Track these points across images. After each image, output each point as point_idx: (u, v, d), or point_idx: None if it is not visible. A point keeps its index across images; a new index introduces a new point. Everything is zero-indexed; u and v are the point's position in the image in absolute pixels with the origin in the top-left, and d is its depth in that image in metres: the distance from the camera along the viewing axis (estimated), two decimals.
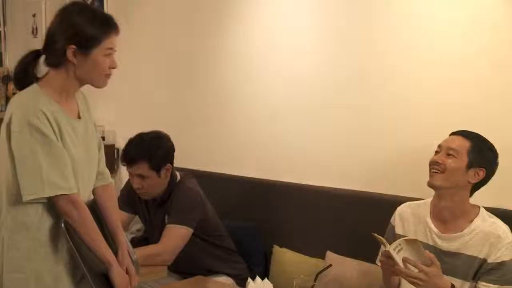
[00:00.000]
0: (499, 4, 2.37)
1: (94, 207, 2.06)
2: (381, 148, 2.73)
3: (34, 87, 1.90)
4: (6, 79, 4.95)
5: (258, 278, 2.13)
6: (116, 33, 1.93)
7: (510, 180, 2.33)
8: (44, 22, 4.70)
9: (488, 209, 2.11)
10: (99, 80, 1.94)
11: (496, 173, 2.11)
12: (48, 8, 4.69)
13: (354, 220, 2.73)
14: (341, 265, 2.59)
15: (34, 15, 4.77)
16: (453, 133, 2.12)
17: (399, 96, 2.66)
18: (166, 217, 2.72)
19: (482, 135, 2.09)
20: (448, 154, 2.03)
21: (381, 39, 2.72)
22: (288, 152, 3.12)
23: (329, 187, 2.89)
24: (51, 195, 1.83)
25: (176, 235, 2.62)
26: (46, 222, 1.90)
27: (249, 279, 2.12)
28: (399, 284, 2.15)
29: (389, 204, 2.35)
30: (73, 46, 1.85)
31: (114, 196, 2.17)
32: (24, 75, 1.92)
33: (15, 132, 1.82)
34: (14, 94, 4.80)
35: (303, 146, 3.04)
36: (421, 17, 2.57)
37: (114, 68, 1.94)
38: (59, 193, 1.83)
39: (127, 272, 2.00)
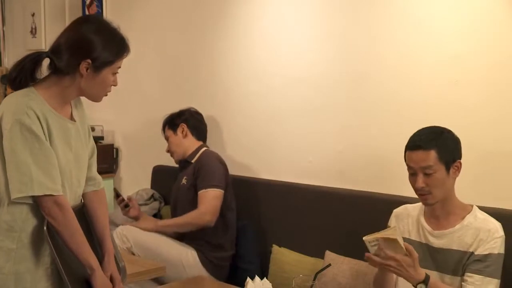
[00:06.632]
0: (499, 4, 2.37)
1: (83, 212, 2.03)
2: (380, 148, 2.73)
3: (29, 88, 1.88)
4: (5, 78, 4.93)
5: (257, 278, 2.12)
6: (127, 54, 1.94)
7: (509, 180, 2.34)
8: (43, 21, 4.69)
9: (487, 209, 2.11)
10: (99, 96, 1.98)
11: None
12: (47, 7, 4.68)
13: (353, 220, 2.72)
14: (340, 264, 2.59)
15: (33, 15, 4.75)
16: (410, 149, 2.06)
17: (399, 96, 2.66)
18: (184, 178, 3.01)
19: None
20: (426, 174, 2.01)
21: (380, 39, 2.72)
22: (287, 151, 3.12)
23: (329, 187, 2.90)
24: (39, 194, 1.80)
25: (210, 198, 2.90)
26: (30, 224, 1.86)
27: (248, 279, 2.12)
28: (396, 282, 2.16)
29: (389, 204, 2.35)
30: (89, 61, 1.85)
31: (105, 202, 2.13)
32: (23, 77, 1.88)
33: (6, 130, 1.79)
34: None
35: (302, 146, 3.04)
36: (420, 17, 2.57)
37: (115, 85, 1.97)
38: (46, 193, 1.80)
39: (111, 279, 1.97)
